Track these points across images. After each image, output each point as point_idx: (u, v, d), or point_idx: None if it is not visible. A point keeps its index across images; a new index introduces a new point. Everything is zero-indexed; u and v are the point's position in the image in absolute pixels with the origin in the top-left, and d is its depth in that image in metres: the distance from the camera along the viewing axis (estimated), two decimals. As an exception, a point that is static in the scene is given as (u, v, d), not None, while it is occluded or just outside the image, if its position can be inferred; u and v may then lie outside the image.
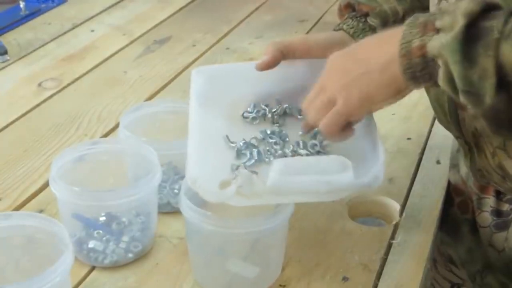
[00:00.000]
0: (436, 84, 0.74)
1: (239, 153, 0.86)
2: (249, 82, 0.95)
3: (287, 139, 0.89)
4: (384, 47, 0.77)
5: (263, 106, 0.93)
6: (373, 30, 0.96)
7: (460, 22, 0.70)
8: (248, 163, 0.84)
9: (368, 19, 0.96)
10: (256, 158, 0.85)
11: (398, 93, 0.79)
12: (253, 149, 0.86)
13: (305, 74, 0.92)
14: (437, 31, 0.72)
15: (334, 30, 0.98)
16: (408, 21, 0.76)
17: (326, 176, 0.77)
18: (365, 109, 0.81)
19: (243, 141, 0.87)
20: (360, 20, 0.97)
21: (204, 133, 0.88)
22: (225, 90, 0.95)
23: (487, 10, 0.71)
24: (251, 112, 0.92)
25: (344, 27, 0.96)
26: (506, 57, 0.69)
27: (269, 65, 0.91)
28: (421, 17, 0.75)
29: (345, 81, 0.80)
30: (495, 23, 0.70)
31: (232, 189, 0.77)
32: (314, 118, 0.83)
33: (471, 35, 0.70)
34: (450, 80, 0.72)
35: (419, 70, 0.74)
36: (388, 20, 0.96)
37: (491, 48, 0.69)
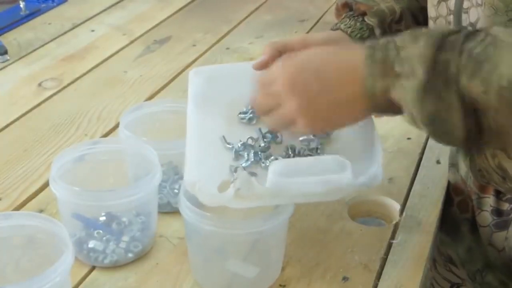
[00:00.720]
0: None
1: (237, 154, 0.86)
2: (247, 82, 0.94)
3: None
4: (346, 78, 0.77)
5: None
6: (370, 29, 0.96)
7: (419, 71, 0.71)
8: (245, 164, 0.84)
9: (366, 18, 0.96)
10: (252, 159, 0.85)
11: (362, 119, 0.82)
12: (251, 150, 0.86)
13: None
14: (397, 75, 0.73)
15: (332, 29, 0.98)
16: (367, 52, 0.75)
17: (324, 176, 0.77)
18: (327, 130, 0.86)
19: (240, 142, 0.87)
20: (357, 19, 0.97)
21: (202, 135, 0.87)
22: (223, 90, 0.95)
23: (444, 37, 0.71)
24: (246, 113, 0.92)
25: (342, 26, 0.96)
26: (466, 88, 0.69)
27: (266, 65, 0.91)
28: (378, 51, 0.74)
29: (306, 104, 0.78)
30: (450, 56, 0.70)
31: (231, 191, 0.77)
32: (274, 128, 0.86)
33: (431, 73, 0.70)
34: (416, 124, 0.74)
35: (383, 109, 0.77)
36: (386, 19, 0.96)
37: (451, 82, 0.70)
